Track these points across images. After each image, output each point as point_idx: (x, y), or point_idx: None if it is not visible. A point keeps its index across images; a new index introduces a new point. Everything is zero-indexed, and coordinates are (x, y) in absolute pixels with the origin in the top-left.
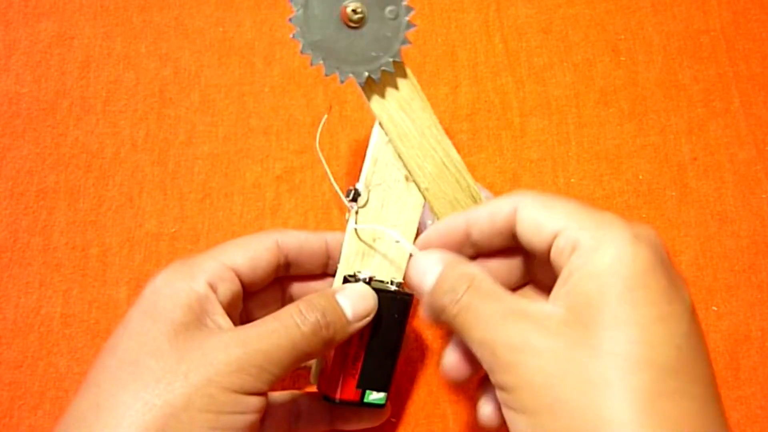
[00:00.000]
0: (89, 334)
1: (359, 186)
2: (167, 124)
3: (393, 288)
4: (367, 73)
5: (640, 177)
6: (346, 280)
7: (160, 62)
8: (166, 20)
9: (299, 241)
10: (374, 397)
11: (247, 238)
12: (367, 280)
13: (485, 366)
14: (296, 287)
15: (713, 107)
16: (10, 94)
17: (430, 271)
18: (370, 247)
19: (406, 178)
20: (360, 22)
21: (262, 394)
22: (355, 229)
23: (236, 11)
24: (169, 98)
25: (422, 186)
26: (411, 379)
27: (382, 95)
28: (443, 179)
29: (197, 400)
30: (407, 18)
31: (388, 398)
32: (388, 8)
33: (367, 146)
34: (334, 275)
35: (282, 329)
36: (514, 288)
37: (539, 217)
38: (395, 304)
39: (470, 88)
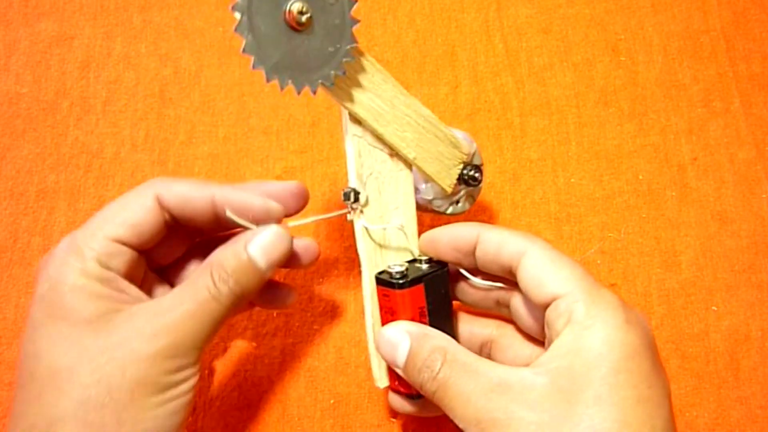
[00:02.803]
0: None
1: (353, 185)
2: (167, 124)
3: (426, 267)
4: (333, 72)
5: (640, 177)
6: (379, 281)
7: (160, 62)
8: (166, 20)
9: (181, 196)
10: None
11: (125, 198)
12: (404, 272)
13: None
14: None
15: (713, 107)
16: (10, 94)
17: (399, 345)
18: (384, 239)
19: (390, 156)
20: (309, 23)
21: (194, 364)
22: (366, 229)
23: None
24: (169, 98)
25: (410, 156)
26: None
27: (348, 86)
28: (424, 140)
29: (136, 389)
30: None
31: None
32: None
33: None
34: (227, 232)
35: (201, 307)
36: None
37: (543, 274)
38: (438, 281)
39: (470, 88)
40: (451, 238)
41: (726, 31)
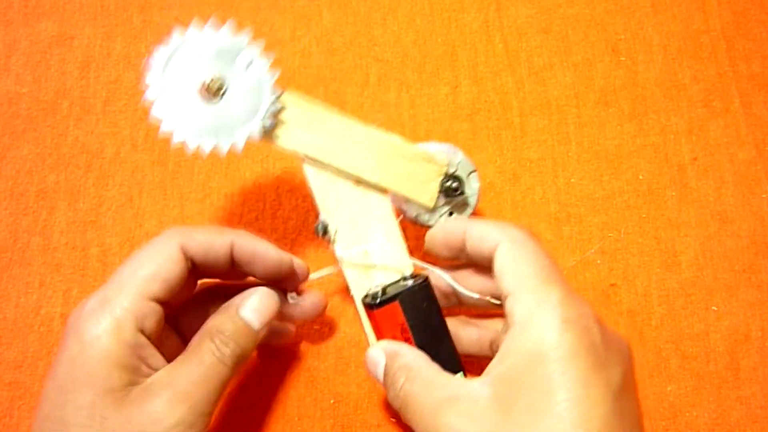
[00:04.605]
0: None
1: (323, 218)
2: None
3: (410, 283)
4: (261, 125)
5: (640, 177)
6: (365, 305)
7: None
8: (166, 20)
9: (204, 248)
10: None
11: (150, 251)
12: (381, 292)
13: None
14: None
15: (713, 107)
16: (10, 94)
17: (378, 364)
18: (369, 261)
19: (356, 183)
20: (221, 89)
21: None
22: (344, 259)
23: (236, 11)
24: None
25: (373, 181)
26: None
27: (287, 132)
28: (389, 163)
29: None
30: (260, 53)
31: (465, 375)
32: (238, 59)
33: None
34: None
35: (212, 373)
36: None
37: (504, 270)
38: (416, 295)
39: (470, 88)
40: (443, 237)
41: (726, 31)
